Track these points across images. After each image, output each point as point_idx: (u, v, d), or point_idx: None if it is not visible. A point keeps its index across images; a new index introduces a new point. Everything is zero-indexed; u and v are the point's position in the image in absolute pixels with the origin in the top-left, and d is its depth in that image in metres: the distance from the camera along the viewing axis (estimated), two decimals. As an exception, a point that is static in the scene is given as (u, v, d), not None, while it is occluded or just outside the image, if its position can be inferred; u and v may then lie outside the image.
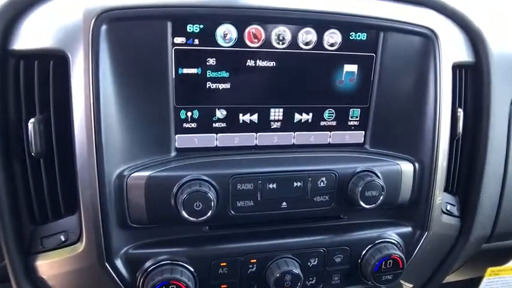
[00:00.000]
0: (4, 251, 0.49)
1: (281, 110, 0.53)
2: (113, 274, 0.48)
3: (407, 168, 0.56)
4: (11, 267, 0.50)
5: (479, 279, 0.79)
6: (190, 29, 0.47)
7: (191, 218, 0.46)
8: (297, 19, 0.49)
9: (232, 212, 0.49)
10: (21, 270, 0.50)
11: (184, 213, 0.45)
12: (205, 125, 0.51)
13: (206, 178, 0.47)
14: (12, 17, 0.46)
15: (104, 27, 0.43)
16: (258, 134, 0.53)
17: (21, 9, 0.46)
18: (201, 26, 0.47)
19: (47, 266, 0.50)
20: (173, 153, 0.50)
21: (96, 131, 0.44)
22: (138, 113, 0.47)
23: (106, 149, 0.45)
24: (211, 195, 0.46)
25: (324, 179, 0.52)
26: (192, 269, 0.49)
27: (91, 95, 0.43)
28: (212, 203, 0.46)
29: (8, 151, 0.47)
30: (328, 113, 0.55)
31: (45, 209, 0.49)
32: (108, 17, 0.43)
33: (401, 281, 0.64)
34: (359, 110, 0.56)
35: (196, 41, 0.47)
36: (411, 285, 0.67)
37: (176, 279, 0.47)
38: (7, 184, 0.47)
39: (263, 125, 0.53)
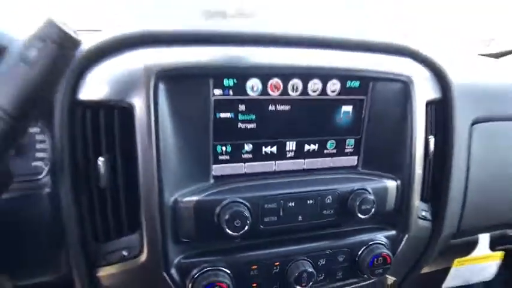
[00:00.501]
0: (73, 265, 0.60)
1: (294, 142, 0.66)
2: (169, 281, 0.60)
3: (391, 184, 0.71)
4: (78, 279, 0.61)
5: (448, 269, 0.95)
6: (226, 83, 0.59)
7: (233, 233, 0.58)
8: (307, 74, 0.63)
9: (261, 226, 0.62)
10: (87, 282, 0.61)
11: (227, 230, 0.58)
12: (235, 157, 0.63)
13: (241, 200, 0.60)
14: (82, 70, 0.56)
15: (161, 83, 0.55)
16: (277, 162, 0.66)
17: (90, 63, 0.56)
18: (235, 81, 0.59)
19: (109, 277, 0.61)
20: (211, 181, 0.62)
21: (158, 167, 0.55)
22: (187, 150, 0.59)
23: (164, 181, 0.56)
24: (247, 213, 0.59)
25: (330, 197, 0.66)
26: (230, 273, 0.62)
27: (153, 138, 0.55)
28: (248, 220, 0.59)
29: (77, 183, 0.58)
30: (330, 143, 0.69)
31: (108, 229, 0.60)
32: (165, 75, 0.55)
33: (387, 275, 0.78)
34: (353, 140, 0.70)
35: (231, 92, 0.60)
36: (394, 278, 0.81)
37: (219, 282, 0.59)
38: (76, 210, 0.58)
39: (280, 155, 0.66)
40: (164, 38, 0.58)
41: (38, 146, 0.63)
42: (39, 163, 0.64)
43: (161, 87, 0.55)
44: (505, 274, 1.00)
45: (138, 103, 0.54)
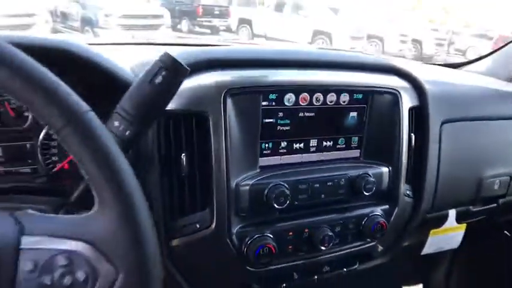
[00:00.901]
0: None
1: (316, 140, 0.88)
2: (231, 246, 0.79)
3: (385, 170, 0.94)
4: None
5: (425, 241, 1.19)
6: (270, 97, 0.81)
7: (278, 207, 0.79)
8: (326, 89, 0.85)
9: (296, 202, 0.84)
10: (165, 251, 0.81)
11: (275, 205, 0.79)
12: (275, 151, 0.85)
13: (283, 183, 0.81)
14: None
15: (228, 96, 0.76)
16: (303, 154, 0.88)
17: None
18: (276, 95, 0.81)
19: (183, 245, 0.80)
20: (258, 170, 0.83)
21: (226, 159, 0.76)
22: (243, 146, 0.80)
23: (230, 170, 0.77)
24: (288, 192, 0.80)
25: (342, 179, 0.88)
26: (273, 238, 0.83)
27: (222, 137, 0.75)
28: (288, 198, 0.80)
29: (162, 172, 0.78)
30: (341, 140, 0.91)
31: (184, 207, 0.80)
32: (231, 91, 0.76)
33: (377, 244, 1.02)
34: (357, 137, 0.93)
35: (273, 103, 0.81)
36: (381, 247, 1.05)
37: (267, 243, 0.81)
38: (160, 193, 0.78)
39: (306, 149, 0.88)
40: (228, 63, 0.79)
41: None
42: None
43: (228, 100, 0.76)
44: (469, 240, 1.26)
45: (212, 111, 0.75)
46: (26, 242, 0.43)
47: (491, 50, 1.52)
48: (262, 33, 10.69)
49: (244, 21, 11.53)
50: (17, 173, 0.84)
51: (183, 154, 0.76)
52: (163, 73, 0.60)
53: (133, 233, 0.43)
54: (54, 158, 0.85)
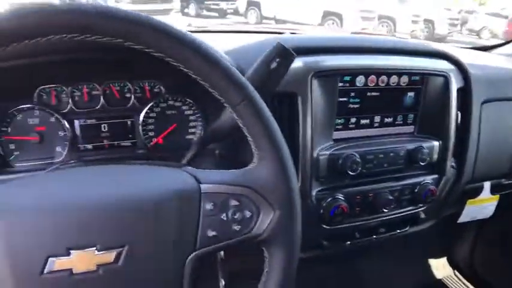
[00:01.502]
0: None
1: (379, 116, 1.02)
2: (311, 206, 0.93)
3: (436, 144, 1.07)
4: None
5: (462, 209, 1.33)
6: (345, 79, 0.94)
7: (352, 173, 0.93)
8: (390, 72, 0.98)
9: (364, 170, 0.97)
10: None
11: (349, 172, 0.93)
12: (346, 126, 0.98)
13: (354, 153, 0.95)
14: None
15: (314, 79, 0.89)
16: (368, 129, 1.02)
17: None
18: (350, 77, 0.94)
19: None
20: (332, 142, 0.97)
21: (311, 132, 0.89)
22: (323, 122, 0.93)
23: (313, 142, 0.91)
24: (359, 161, 0.94)
25: (402, 151, 1.02)
26: (344, 200, 0.97)
27: (309, 115, 0.89)
28: (359, 166, 0.94)
29: None
30: (399, 117, 1.05)
31: None
32: (317, 74, 0.89)
33: (420, 211, 1.16)
34: (413, 114, 1.06)
35: (347, 84, 0.95)
36: (424, 215, 1.18)
37: (341, 205, 0.95)
38: None
39: (370, 125, 1.01)
40: (313, 49, 0.92)
41: (190, 124, 0.96)
42: (190, 136, 0.98)
43: (313, 81, 0.89)
44: (498, 212, 1.40)
45: (300, 91, 0.88)
46: (205, 188, 0.57)
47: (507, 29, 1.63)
48: (271, 15, 10.65)
49: (252, 4, 11.45)
50: (119, 146, 0.98)
51: None
52: (278, 59, 0.73)
53: (286, 181, 0.57)
54: (150, 134, 0.99)
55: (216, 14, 11.63)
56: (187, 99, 0.99)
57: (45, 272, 0.49)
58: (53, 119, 0.91)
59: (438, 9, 11.11)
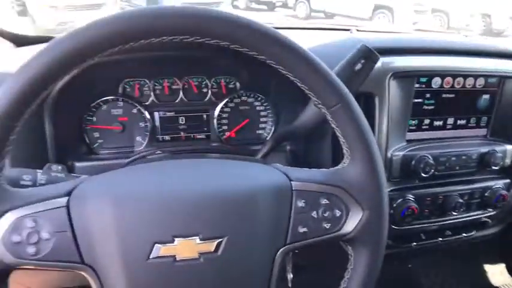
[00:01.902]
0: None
1: (453, 118, 1.01)
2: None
3: (509, 148, 1.05)
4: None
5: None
6: (421, 80, 0.93)
7: (424, 175, 0.93)
8: (466, 74, 0.96)
9: (436, 172, 0.97)
10: None
11: (422, 173, 0.93)
12: (419, 127, 0.98)
13: (427, 155, 0.94)
14: None
15: (392, 80, 0.89)
16: (441, 131, 1.01)
17: None
18: (426, 79, 0.93)
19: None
20: (405, 143, 0.97)
21: (386, 133, 0.90)
22: (398, 123, 0.93)
23: (390, 143, 0.91)
24: (432, 163, 0.93)
25: (475, 154, 1.00)
26: (415, 201, 0.97)
27: (385, 116, 0.89)
28: (433, 167, 0.93)
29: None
30: (472, 119, 1.03)
31: None
32: (394, 75, 0.89)
33: (489, 216, 1.13)
34: (486, 117, 1.04)
35: (423, 86, 0.94)
36: (490, 220, 1.15)
37: (411, 206, 0.95)
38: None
39: (443, 127, 1.00)
40: (392, 50, 0.92)
41: (261, 119, 0.99)
42: (261, 131, 1.00)
43: (391, 82, 0.89)
44: None
45: (378, 92, 0.88)
46: (296, 185, 0.59)
47: None
48: (321, 8, 10.48)
49: (302, -4, 11.37)
50: (194, 139, 1.03)
51: None
52: (362, 61, 0.74)
53: (376, 182, 0.59)
54: (224, 127, 1.02)
55: (265, 7, 11.61)
56: (260, 96, 1.01)
57: (151, 257, 0.53)
58: (135, 111, 0.97)
59: (495, 2, 10.57)
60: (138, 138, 0.98)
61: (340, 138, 0.58)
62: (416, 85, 0.93)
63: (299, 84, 0.55)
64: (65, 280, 0.97)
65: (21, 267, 0.53)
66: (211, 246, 0.54)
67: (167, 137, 1.00)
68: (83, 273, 0.54)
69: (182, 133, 1.01)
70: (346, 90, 0.56)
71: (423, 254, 1.64)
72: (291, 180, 0.59)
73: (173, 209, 0.53)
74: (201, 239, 0.53)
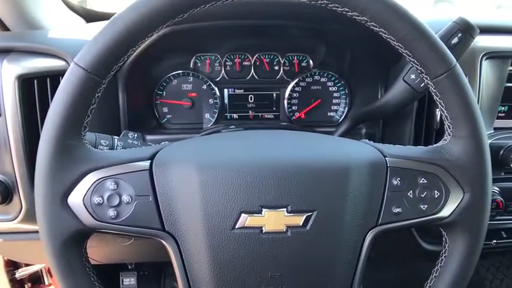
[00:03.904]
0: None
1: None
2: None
3: None
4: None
5: None
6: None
7: None
8: None
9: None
10: None
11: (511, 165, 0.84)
12: (509, 114, 0.89)
13: None
14: None
15: (484, 60, 0.81)
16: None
17: None
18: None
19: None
20: (492, 130, 0.88)
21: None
22: (487, 108, 0.85)
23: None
24: None
25: None
26: (500, 193, 0.88)
27: (475, 97, 0.81)
28: None
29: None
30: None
31: None
32: (488, 55, 0.81)
33: None
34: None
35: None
36: None
37: (497, 199, 0.86)
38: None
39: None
40: (488, 28, 0.84)
41: (334, 101, 0.95)
42: (332, 113, 0.95)
43: (483, 63, 0.82)
44: None
45: (468, 71, 0.79)
46: (391, 162, 0.54)
47: None
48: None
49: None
50: (262, 118, 1.00)
51: (437, 109, 0.83)
52: (460, 35, 0.68)
53: (481, 162, 0.53)
54: (294, 108, 0.99)
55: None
56: (334, 75, 0.96)
57: (236, 227, 0.50)
58: (204, 86, 0.95)
59: None
60: (207, 115, 0.97)
61: (443, 113, 0.53)
62: (510, 68, 0.85)
63: (401, 50, 0.50)
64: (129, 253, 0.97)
65: (100, 230, 0.51)
66: (299, 219, 0.50)
67: (235, 115, 0.98)
68: (162, 241, 0.52)
69: (250, 112, 0.98)
70: (454, 59, 0.51)
71: (494, 254, 1.54)
72: (385, 156, 0.54)
73: (262, 178, 0.50)
74: (289, 212, 0.50)
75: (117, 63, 0.48)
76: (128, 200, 0.50)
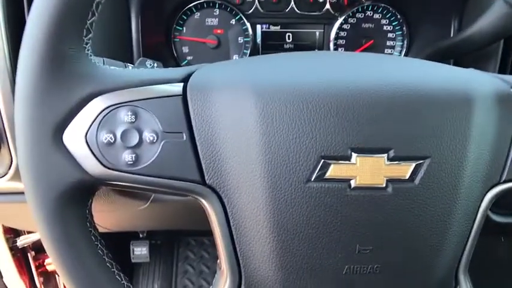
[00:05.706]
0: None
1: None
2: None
3: None
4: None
5: None
6: None
7: None
8: None
9: None
10: None
11: None
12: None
13: None
14: None
15: None
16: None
17: None
18: None
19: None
20: None
21: None
22: None
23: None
24: None
25: None
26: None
27: None
28: None
29: None
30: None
31: None
32: None
33: None
34: None
35: None
36: None
37: None
38: None
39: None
40: None
41: (388, 42, 0.80)
42: None
43: None
44: None
45: None
46: None
47: None
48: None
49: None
50: (302, 61, 0.83)
51: None
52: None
53: None
54: (341, 50, 0.82)
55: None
56: (391, 11, 0.79)
57: (313, 179, 0.34)
58: (233, 21, 0.79)
59: None
60: (235, 57, 0.81)
61: None
62: None
63: None
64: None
65: (111, 182, 0.36)
66: (406, 170, 0.34)
67: (269, 58, 0.81)
68: (200, 199, 0.36)
69: None
70: None
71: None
72: None
73: (353, 109, 0.34)
74: (390, 159, 0.34)
75: None
76: (151, 138, 0.34)
